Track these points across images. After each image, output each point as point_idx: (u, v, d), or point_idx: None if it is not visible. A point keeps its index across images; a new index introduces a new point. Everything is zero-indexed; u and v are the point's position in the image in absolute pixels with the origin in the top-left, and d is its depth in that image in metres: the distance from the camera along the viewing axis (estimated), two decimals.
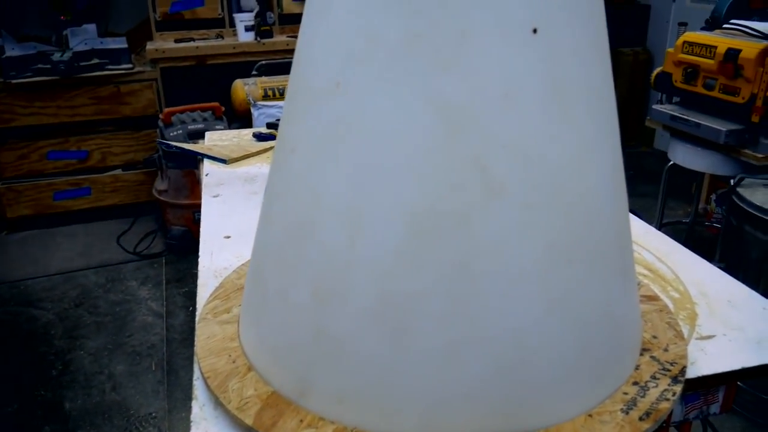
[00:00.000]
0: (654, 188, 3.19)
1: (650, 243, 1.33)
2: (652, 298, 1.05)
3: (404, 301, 0.72)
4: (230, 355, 0.90)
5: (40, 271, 3.33)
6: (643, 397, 0.81)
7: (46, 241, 3.67)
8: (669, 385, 0.83)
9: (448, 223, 0.70)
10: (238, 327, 0.97)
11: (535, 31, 0.69)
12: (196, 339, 0.95)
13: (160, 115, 3.38)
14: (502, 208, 0.70)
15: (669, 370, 0.86)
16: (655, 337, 0.94)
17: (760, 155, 2.32)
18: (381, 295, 0.73)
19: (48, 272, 3.32)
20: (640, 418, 0.77)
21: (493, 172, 0.69)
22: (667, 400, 0.80)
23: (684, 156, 2.64)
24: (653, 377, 0.85)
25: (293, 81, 0.83)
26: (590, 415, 0.78)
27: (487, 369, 0.73)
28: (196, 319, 1.01)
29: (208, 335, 0.95)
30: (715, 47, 2.39)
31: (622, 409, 0.79)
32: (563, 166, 0.73)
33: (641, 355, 0.89)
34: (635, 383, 0.84)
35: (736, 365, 0.92)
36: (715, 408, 0.97)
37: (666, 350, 0.90)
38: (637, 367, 0.87)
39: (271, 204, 0.86)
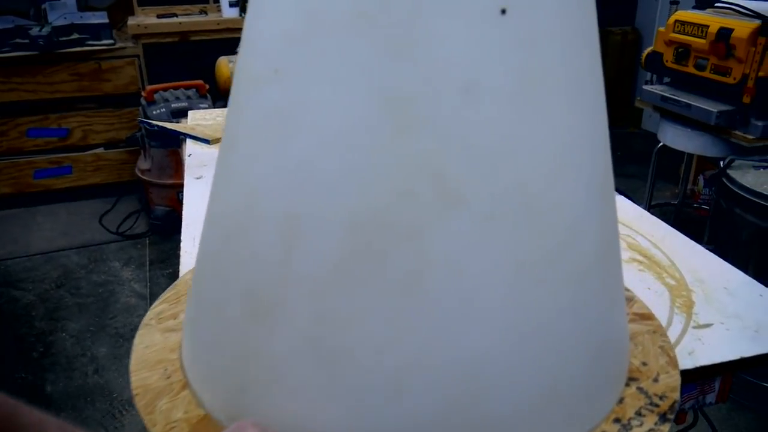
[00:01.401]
0: (641, 169, 3.18)
1: (644, 227, 1.31)
2: (646, 317, 0.95)
3: (342, 321, 0.63)
4: (166, 369, 0.82)
5: (20, 251, 3.27)
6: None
7: (27, 220, 3.61)
8: (656, 424, 0.74)
9: (394, 236, 0.60)
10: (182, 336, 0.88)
11: (503, 11, 0.58)
12: (132, 349, 0.87)
13: (143, 93, 3.31)
14: (459, 219, 0.61)
15: (657, 405, 0.77)
16: (645, 363, 0.84)
17: (751, 137, 2.30)
18: (317, 315, 0.64)
19: (29, 252, 3.26)
20: None
21: (449, 177, 0.60)
22: None
23: (674, 137, 2.62)
24: (638, 413, 0.75)
25: (237, 67, 0.74)
26: None
27: (437, 403, 0.64)
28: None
29: (147, 344, 0.87)
30: (707, 26, 2.36)
31: None
32: (536, 173, 0.63)
33: (627, 385, 0.80)
34: (617, 420, 0.74)
35: (734, 355, 0.91)
36: (711, 398, 0.95)
37: (656, 380, 0.81)
38: (620, 401, 0.77)
39: (212, 204, 0.78)
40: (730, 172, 2.19)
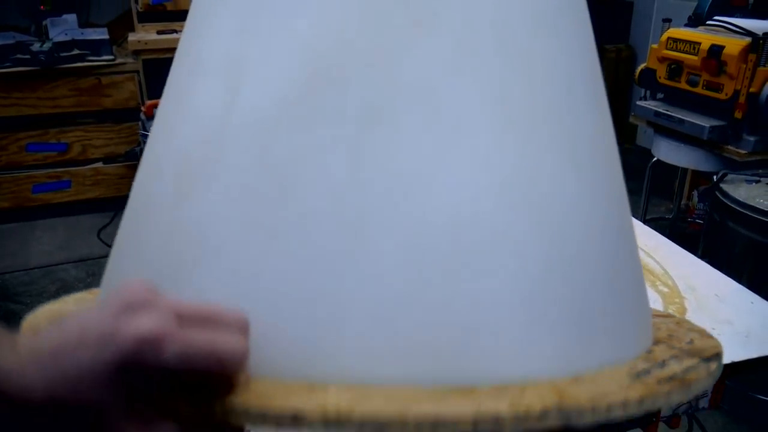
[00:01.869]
0: (636, 185, 3.21)
1: (637, 237, 1.33)
2: (665, 316, 0.76)
3: (292, 161, 0.52)
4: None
5: (18, 265, 3.28)
6: (662, 368, 0.55)
7: (25, 234, 3.62)
8: (699, 362, 0.57)
9: (357, 61, 0.52)
10: None
11: None
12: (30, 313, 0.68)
13: (143, 108, 3.33)
14: (433, 39, 0.52)
15: (697, 355, 0.59)
16: (671, 336, 0.64)
17: (743, 151, 2.34)
18: (260, 157, 0.53)
19: (27, 266, 3.27)
20: (659, 382, 0.51)
21: None
22: (698, 372, 0.55)
23: (667, 152, 2.66)
24: (675, 357, 0.57)
25: None
26: (577, 380, 0.52)
27: (408, 273, 0.49)
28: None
29: (54, 309, 0.69)
30: (699, 43, 2.41)
31: (629, 374, 0.53)
32: None
33: (655, 344, 0.62)
34: (648, 361, 0.57)
35: (725, 359, 0.92)
36: (703, 403, 0.97)
37: (690, 343, 0.62)
38: (649, 352, 0.60)
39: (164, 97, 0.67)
40: (723, 186, 2.23)
